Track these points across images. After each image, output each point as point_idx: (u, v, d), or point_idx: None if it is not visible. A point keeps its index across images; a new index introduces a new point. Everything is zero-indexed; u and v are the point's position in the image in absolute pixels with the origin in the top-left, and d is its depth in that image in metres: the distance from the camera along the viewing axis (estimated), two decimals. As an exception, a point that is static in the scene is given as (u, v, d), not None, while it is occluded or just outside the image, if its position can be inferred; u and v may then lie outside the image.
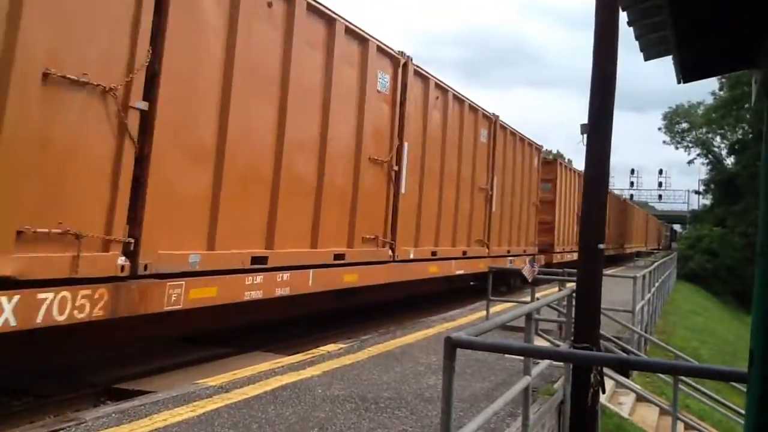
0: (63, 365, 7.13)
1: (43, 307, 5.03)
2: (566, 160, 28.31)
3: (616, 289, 12.37)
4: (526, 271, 9.97)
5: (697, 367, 5.59)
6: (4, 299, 4.73)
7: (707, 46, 2.87)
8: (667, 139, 64.28)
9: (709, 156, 58.07)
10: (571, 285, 7.90)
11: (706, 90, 56.41)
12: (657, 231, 72.41)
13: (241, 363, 7.45)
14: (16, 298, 4.82)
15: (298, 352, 7.85)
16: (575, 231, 24.07)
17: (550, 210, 22.09)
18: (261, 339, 9.31)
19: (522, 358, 5.41)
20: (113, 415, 4.90)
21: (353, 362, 7.32)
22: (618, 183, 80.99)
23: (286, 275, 8.03)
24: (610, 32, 6.29)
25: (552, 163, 23.36)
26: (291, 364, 6.97)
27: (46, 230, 5.15)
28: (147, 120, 6.05)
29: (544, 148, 26.99)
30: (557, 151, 32.18)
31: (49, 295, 5.09)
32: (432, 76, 12.10)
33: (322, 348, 8.04)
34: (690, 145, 61.59)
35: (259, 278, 7.50)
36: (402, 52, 10.95)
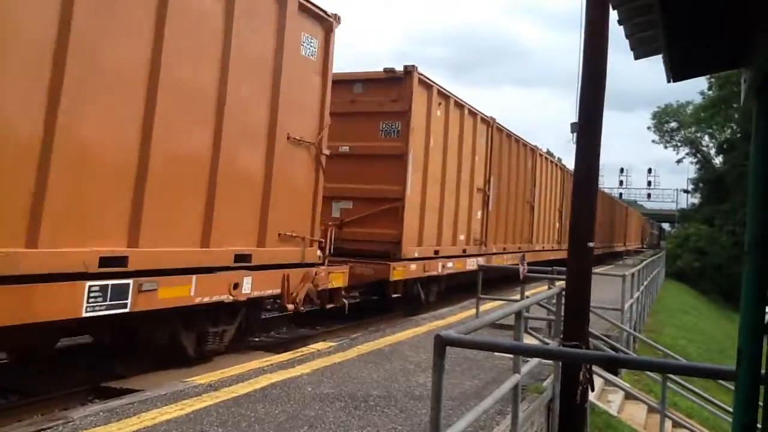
0: (51, 363, 7.09)
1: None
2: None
3: (606, 288, 12.43)
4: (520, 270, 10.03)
5: (685, 365, 5.62)
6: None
7: (697, 45, 2.88)
8: (656, 138, 64.54)
9: (698, 155, 58.35)
10: (561, 283, 7.92)
11: (694, 89, 56.69)
12: (640, 228, 66.79)
13: (230, 361, 7.44)
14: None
15: (287, 350, 7.84)
16: (468, 221, 15.23)
17: (391, 172, 11.93)
18: (249, 337, 9.28)
19: (511, 356, 5.42)
20: (101, 413, 4.87)
21: (343, 360, 7.31)
22: (607, 182, 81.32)
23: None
24: (601, 30, 6.30)
25: (400, 80, 12.14)
26: (280, 363, 6.95)
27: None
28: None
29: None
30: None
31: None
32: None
33: (311, 346, 8.03)
34: (679, 144, 61.85)
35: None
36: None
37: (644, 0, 2.64)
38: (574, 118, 6.53)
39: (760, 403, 2.42)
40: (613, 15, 3.24)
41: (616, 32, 6.26)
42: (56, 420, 4.70)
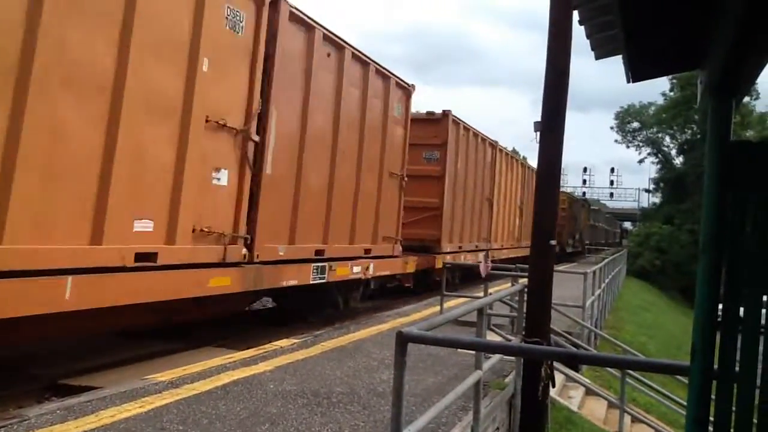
0: (5, 359, 6.93)
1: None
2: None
3: (568, 285, 12.59)
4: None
5: (643, 361, 5.74)
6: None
7: (654, 46, 2.93)
8: (619, 138, 65.39)
9: (659, 155, 59.30)
10: (524, 281, 8.00)
11: (652, 91, 57.56)
12: (571, 218, 37.20)
13: (191, 358, 7.36)
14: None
15: (250, 347, 7.78)
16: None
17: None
18: (213, 334, 9.21)
19: (473, 352, 5.46)
20: (58, 411, 4.78)
21: (306, 357, 7.29)
22: (571, 181, 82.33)
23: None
24: (564, 30, 6.37)
25: None
26: (243, 359, 6.90)
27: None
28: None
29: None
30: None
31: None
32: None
33: (275, 343, 7.98)
34: (641, 144, 62.72)
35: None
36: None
37: (604, 0, 2.67)
38: (534, 118, 6.61)
39: (713, 397, 2.47)
40: (576, 14, 3.27)
41: (574, 34, 6.33)
42: (11, 418, 4.59)
